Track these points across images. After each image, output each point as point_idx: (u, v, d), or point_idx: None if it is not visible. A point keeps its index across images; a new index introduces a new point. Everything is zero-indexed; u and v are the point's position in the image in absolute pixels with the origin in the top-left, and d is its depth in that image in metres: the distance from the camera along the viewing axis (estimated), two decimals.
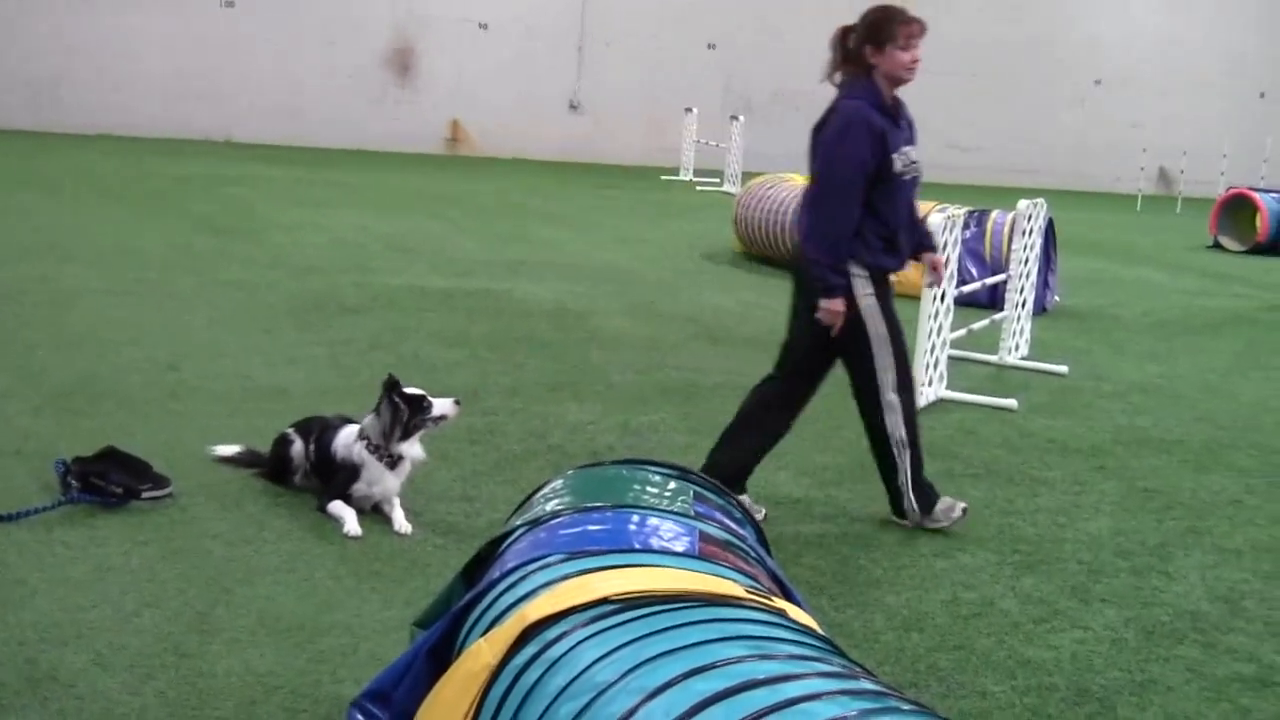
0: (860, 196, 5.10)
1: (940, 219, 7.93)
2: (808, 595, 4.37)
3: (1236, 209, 17.16)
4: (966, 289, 8.81)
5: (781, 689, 2.12)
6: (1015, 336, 9.15)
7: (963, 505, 5.57)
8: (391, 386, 5.19)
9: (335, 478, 5.22)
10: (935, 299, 7.65)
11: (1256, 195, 17.09)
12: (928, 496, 5.51)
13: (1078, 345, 9.92)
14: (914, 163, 5.28)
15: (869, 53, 5.12)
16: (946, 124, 25.00)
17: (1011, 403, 7.80)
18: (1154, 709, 4.05)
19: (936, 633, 4.51)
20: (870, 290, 5.23)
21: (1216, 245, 17.02)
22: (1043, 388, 8.44)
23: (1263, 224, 16.75)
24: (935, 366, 7.76)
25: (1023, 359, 9.13)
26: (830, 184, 5.12)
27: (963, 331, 8.42)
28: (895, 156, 5.14)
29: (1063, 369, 8.89)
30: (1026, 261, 9.24)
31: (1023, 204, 9.35)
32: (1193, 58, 25.47)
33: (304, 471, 5.44)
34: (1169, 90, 25.15)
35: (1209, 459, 7.05)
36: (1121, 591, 5.03)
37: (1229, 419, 7.98)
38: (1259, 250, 16.68)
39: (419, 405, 5.21)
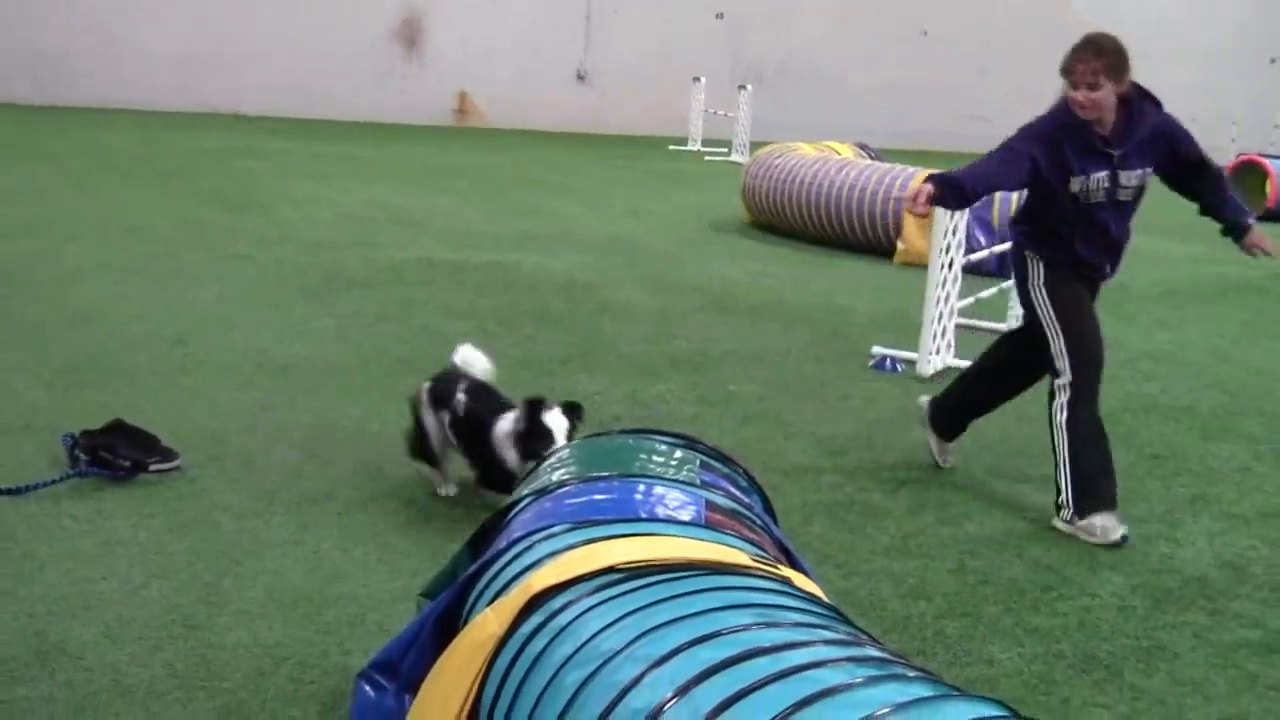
0: (1013, 171, 5.24)
1: None
2: (815, 564, 4.37)
3: (1246, 175, 17.09)
4: (974, 257, 8.78)
5: (786, 656, 2.12)
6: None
7: (1106, 526, 5.25)
8: (536, 406, 4.91)
9: (496, 470, 4.97)
10: (943, 267, 7.64)
11: (1266, 161, 17.03)
12: (1102, 502, 5.27)
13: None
14: (1120, 187, 5.29)
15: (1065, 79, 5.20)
16: (956, 91, 24.93)
17: None
18: (1160, 675, 4.06)
19: (944, 600, 4.51)
20: (1043, 271, 5.39)
21: None
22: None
23: (1273, 190, 16.69)
24: (944, 335, 7.75)
25: None
26: (995, 154, 5.27)
27: (971, 300, 8.40)
28: (1075, 179, 5.23)
29: None
30: None
31: None
32: (1201, 25, 25.36)
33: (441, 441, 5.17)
34: (1178, 58, 25.01)
35: (1217, 426, 7.04)
36: (1129, 559, 5.03)
37: (1238, 386, 7.96)
38: (1269, 217, 16.59)
39: (546, 437, 4.85)
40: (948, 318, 7.81)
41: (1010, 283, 9.13)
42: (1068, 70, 5.13)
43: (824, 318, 9.09)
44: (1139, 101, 5.27)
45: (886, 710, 1.97)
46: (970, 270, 8.64)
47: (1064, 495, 5.26)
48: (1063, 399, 5.28)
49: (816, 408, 6.83)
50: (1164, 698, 3.91)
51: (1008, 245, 9.28)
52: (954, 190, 5.19)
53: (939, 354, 7.68)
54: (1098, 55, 5.10)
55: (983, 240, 10.58)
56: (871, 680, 2.08)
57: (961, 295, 8.11)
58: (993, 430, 6.65)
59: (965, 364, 7.75)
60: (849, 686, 1.99)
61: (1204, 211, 5.56)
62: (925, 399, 6.10)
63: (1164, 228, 15.39)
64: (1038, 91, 26.70)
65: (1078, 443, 5.26)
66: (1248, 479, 6.11)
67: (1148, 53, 25.44)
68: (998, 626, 4.33)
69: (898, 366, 7.67)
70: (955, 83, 24.99)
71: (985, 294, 8.76)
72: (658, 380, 7.16)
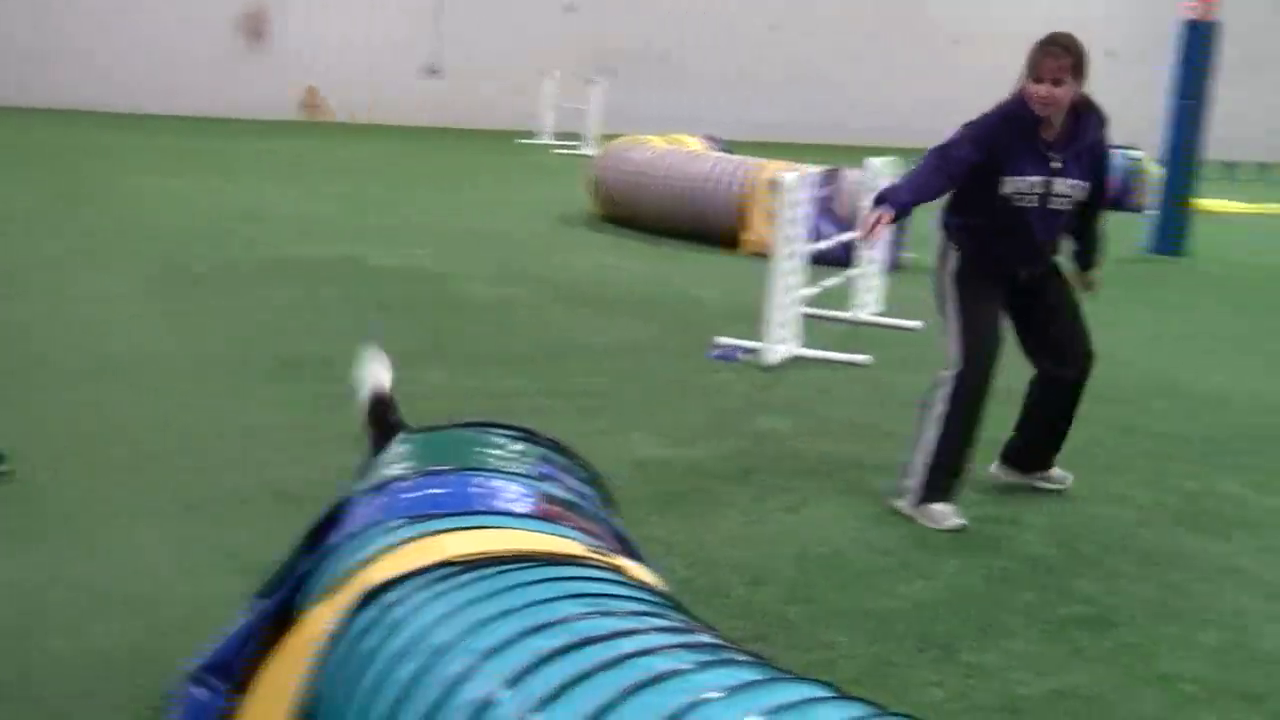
0: (950, 177, 5.20)
1: (792, 177, 8.02)
2: (659, 554, 4.39)
3: None
4: (819, 246, 8.88)
5: (617, 644, 2.13)
6: (869, 293, 9.27)
7: (949, 516, 5.29)
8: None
9: None
10: (786, 257, 7.72)
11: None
12: (944, 492, 5.30)
13: (931, 300, 10.02)
14: (1054, 195, 5.23)
15: (1023, 76, 5.17)
16: (805, 84, 25.20)
17: (866, 358, 7.89)
18: (994, 651, 4.15)
19: (786, 586, 4.57)
20: (956, 261, 5.35)
21: None
22: (896, 343, 8.55)
23: (1107, 179, 17.11)
24: (790, 325, 7.83)
25: (877, 315, 9.24)
26: (933, 159, 5.21)
27: (816, 289, 8.50)
28: (1008, 179, 5.16)
29: (917, 324, 9.01)
30: None
31: (874, 161, 9.47)
32: (1043, 17, 25.90)
33: None
34: (1022, 50, 25.54)
35: None
36: (967, 540, 5.13)
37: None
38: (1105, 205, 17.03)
39: None
40: (794, 307, 7.89)
41: (856, 271, 9.29)
42: (1034, 64, 5.09)
43: (673, 309, 9.15)
44: (1086, 113, 5.27)
45: (716, 694, 1.98)
46: (817, 260, 8.74)
47: (912, 480, 5.28)
48: (945, 390, 5.27)
49: (663, 399, 6.86)
50: (997, 673, 4.00)
51: (853, 234, 9.43)
52: (903, 213, 5.20)
53: (784, 344, 7.76)
54: (1066, 52, 5.10)
55: (828, 230, 10.69)
56: (702, 665, 2.09)
57: (807, 284, 8.20)
58: (838, 415, 6.74)
59: (810, 353, 7.86)
60: (679, 672, 2.01)
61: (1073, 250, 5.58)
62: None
63: None
64: (886, 81, 26.93)
65: (945, 439, 5.26)
66: (1084, 459, 6.23)
67: (994, 45, 25.78)
68: (838, 611, 4.39)
69: (740, 356, 7.71)
70: (805, 76, 25.25)
71: (831, 282, 8.87)
72: (507, 374, 7.14)
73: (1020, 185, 5.16)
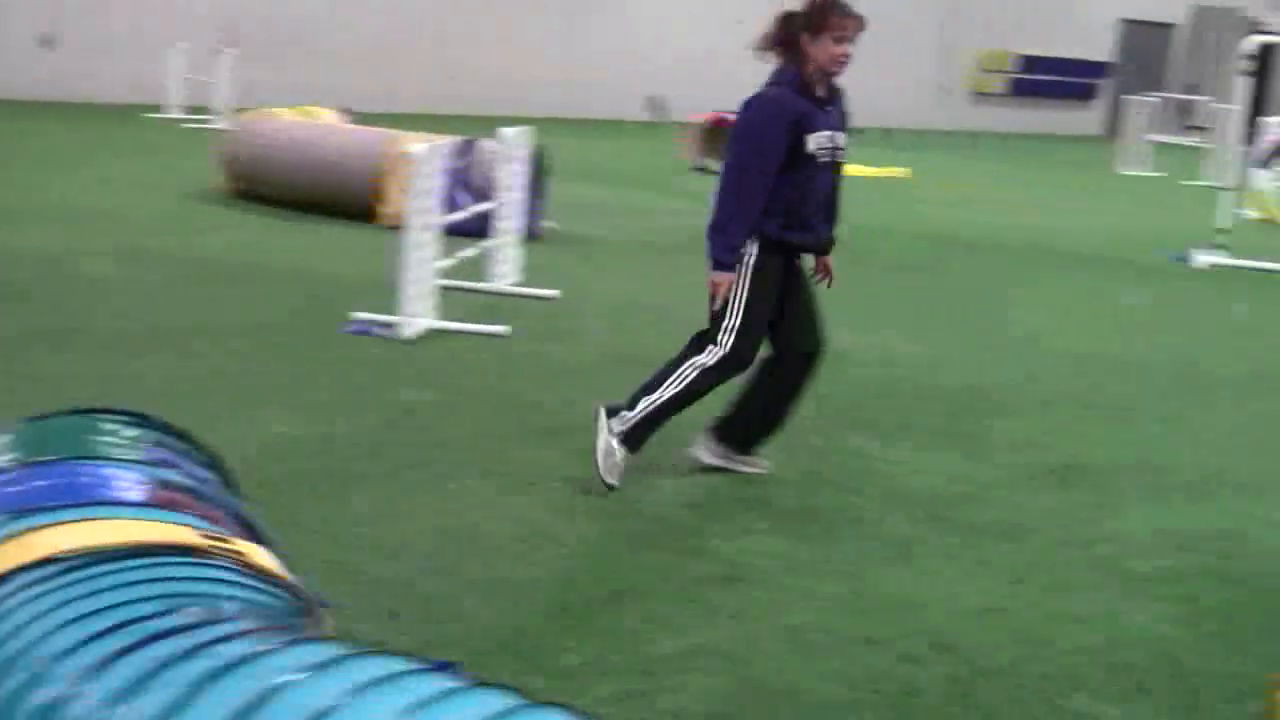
0: (768, 186, 5.13)
1: (423, 148, 7.95)
2: (292, 535, 4.27)
3: (719, 132, 17.96)
4: (454, 217, 8.84)
5: (202, 633, 2.07)
6: (506, 263, 9.29)
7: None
8: None
9: None
10: (420, 229, 7.65)
11: (733, 119, 17.97)
12: (638, 443, 5.37)
13: (569, 269, 10.13)
14: (837, 148, 5.27)
15: (805, 40, 5.10)
16: (440, 53, 25.03)
17: (503, 329, 7.90)
18: (630, 614, 4.20)
19: (422, 560, 4.52)
20: (755, 254, 5.24)
21: (702, 169, 17.77)
22: (534, 313, 8.58)
23: None
24: (426, 298, 7.77)
25: (514, 285, 9.26)
26: (744, 174, 5.13)
27: (453, 260, 8.45)
28: (810, 137, 5.13)
29: (554, 293, 9.08)
30: (513, 189, 9.38)
31: (508, 132, 9.47)
32: None
33: None
34: (658, 18, 26.02)
35: None
36: (604, 506, 5.18)
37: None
38: None
39: None
40: (429, 279, 7.83)
41: (493, 241, 9.27)
42: (834, 25, 5.08)
43: (307, 285, 8.95)
44: None
45: (296, 675, 1.95)
46: (454, 231, 8.70)
47: (631, 421, 5.29)
48: (705, 361, 5.29)
49: (296, 377, 6.71)
50: (631, 635, 4.06)
51: (489, 205, 9.43)
52: (729, 255, 5.18)
53: (421, 317, 7.69)
54: (854, 13, 5.15)
55: (464, 201, 10.66)
56: (287, 645, 2.05)
57: (444, 256, 8.15)
58: (475, 387, 6.73)
59: (448, 326, 7.81)
60: (261, 654, 1.96)
61: None
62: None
63: (642, 184, 16.02)
64: (523, 50, 26.69)
65: (676, 401, 5.32)
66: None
67: (629, 13, 25.87)
68: (475, 582, 4.37)
69: (376, 331, 7.60)
70: (439, 47, 25.08)
71: (467, 253, 8.84)
72: (135, 358, 6.85)
73: (821, 140, 5.20)
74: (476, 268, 9.04)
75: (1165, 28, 34.75)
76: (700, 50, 25.99)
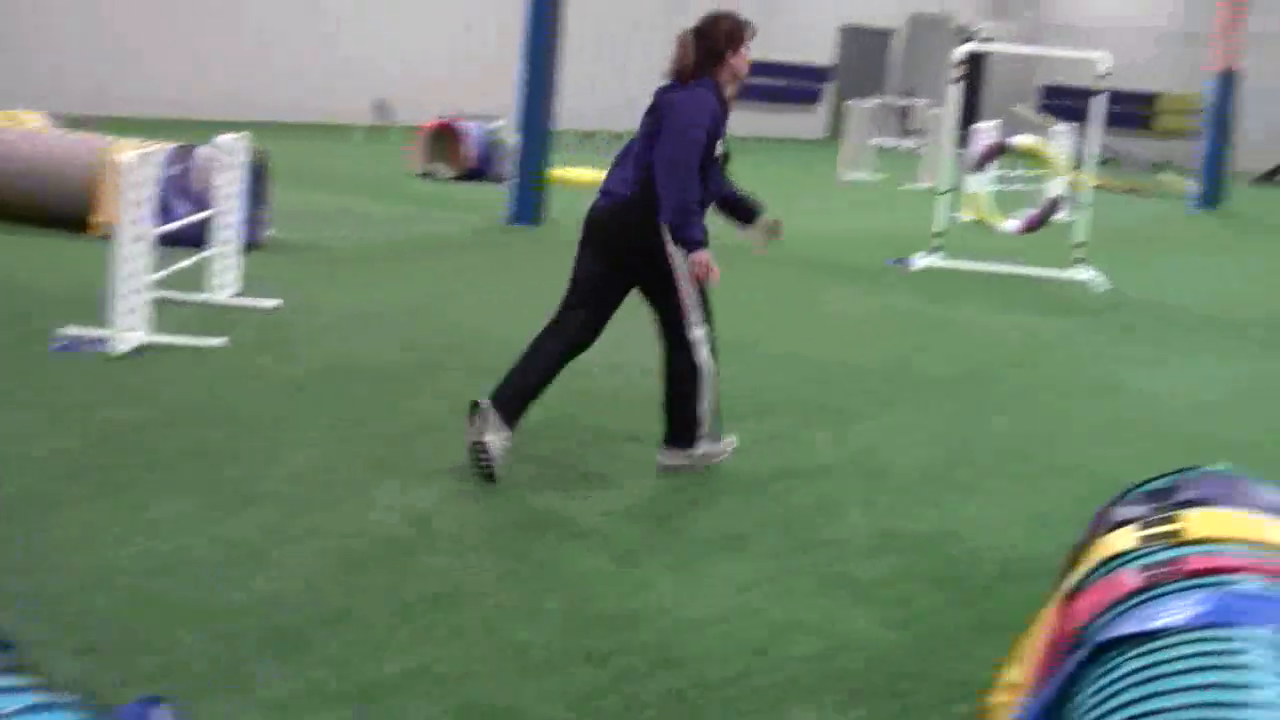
0: (695, 171, 5.69)
1: (134, 156, 7.64)
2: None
3: (445, 138, 17.83)
4: (170, 227, 8.51)
5: None
6: (226, 274, 9.01)
7: (732, 441, 6.15)
8: None
9: None
10: (131, 240, 7.36)
11: (460, 124, 17.83)
12: (716, 429, 6.02)
13: (292, 278, 9.88)
14: (724, 149, 5.89)
15: (729, 54, 5.77)
16: (156, 57, 24.23)
17: (220, 342, 7.65)
18: (346, 638, 4.09)
19: (126, 588, 4.32)
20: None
21: (428, 174, 17.62)
22: (255, 324, 8.34)
23: (467, 152, 17.51)
24: (139, 310, 7.46)
25: (234, 296, 8.99)
26: (689, 159, 5.62)
27: (168, 271, 8.14)
28: (718, 141, 5.78)
29: (275, 303, 8.85)
30: (231, 197, 9.11)
31: (224, 139, 9.20)
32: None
33: None
34: (385, 22, 25.63)
35: (413, 384, 7.24)
36: (320, 526, 5.04)
37: (432, 343, 8.24)
38: (468, 176, 17.42)
39: None
40: (142, 291, 7.53)
41: (212, 251, 8.97)
42: (746, 39, 5.81)
43: (12, 300, 8.51)
44: None
45: None
46: (171, 240, 8.38)
47: (699, 432, 5.92)
48: (706, 346, 5.87)
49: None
50: (347, 661, 3.94)
51: (208, 213, 9.13)
52: (700, 233, 5.69)
53: (133, 331, 7.39)
54: (752, 26, 5.89)
55: (182, 209, 10.31)
56: None
57: (160, 266, 7.85)
58: (189, 403, 6.50)
59: (163, 339, 7.52)
60: None
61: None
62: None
63: (369, 190, 15.77)
64: (250, 54, 25.92)
65: (712, 385, 5.93)
66: (440, 437, 6.28)
67: (358, 17, 25.36)
68: (183, 610, 4.20)
69: (86, 346, 7.28)
70: (162, 47, 24.26)
71: (184, 264, 8.52)
72: None
73: (721, 144, 5.83)
74: (195, 278, 8.74)
75: (884, 33, 35.84)
76: (428, 55, 25.79)
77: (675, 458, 5.98)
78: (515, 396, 5.79)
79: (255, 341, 7.86)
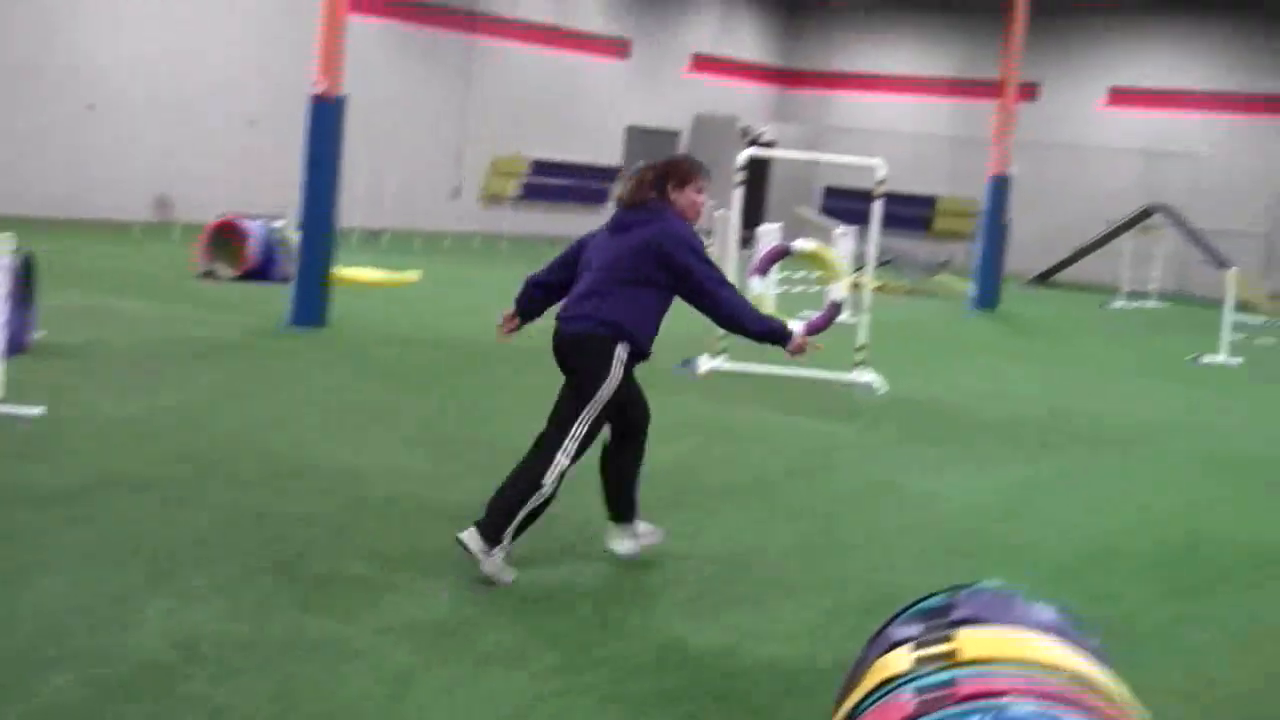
0: None
1: None
2: None
3: (227, 236, 17.42)
4: None
5: None
6: None
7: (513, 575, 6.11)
8: None
9: None
10: None
11: (243, 223, 17.44)
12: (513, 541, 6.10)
13: (61, 384, 9.50)
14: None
15: (671, 189, 6.27)
16: None
17: None
18: None
19: None
20: (625, 363, 6.20)
21: (209, 274, 17.18)
22: (17, 433, 7.97)
23: (249, 251, 17.14)
24: None
25: None
26: (722, 275, 6.33)
27: None
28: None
29: (38, 410, 8.47)
30: None
31: None
32: (185, 84, 25.53)
33: None
34: (165, 117, 25.06)
35: (182, 497, 6.96)
36: (79, 651, 4.79)
37: (206, 453, 7.95)
38: (250, 276, 17.03)
39: None
40: None
41: None
42: (701, 180, 6.32)
43: None
44: None
45: None
46: None
47: (509, 532, 6.01)
48: (556, 476, 6.07)
49: None
50: None
51: None
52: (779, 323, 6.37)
53: None
54: (706, 169, 6.43)
55: None
56: None
57: None
58: None
59: None
60: None
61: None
62: None
63: (147, 290, 15.32)
64: (17, 149, 25.19)
65: (540, 503, 6.12)
66: (205, 551, 6.02)
67: (134, 111, 24.83)
68: None
69: None
70: None
71: None
72: None
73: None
74: None
75: (671, 134, 36.38)
76: (212, 149, 25.34)
77: (475, 541, 5.96)
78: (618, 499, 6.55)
79: (19, 451, 7.52)
